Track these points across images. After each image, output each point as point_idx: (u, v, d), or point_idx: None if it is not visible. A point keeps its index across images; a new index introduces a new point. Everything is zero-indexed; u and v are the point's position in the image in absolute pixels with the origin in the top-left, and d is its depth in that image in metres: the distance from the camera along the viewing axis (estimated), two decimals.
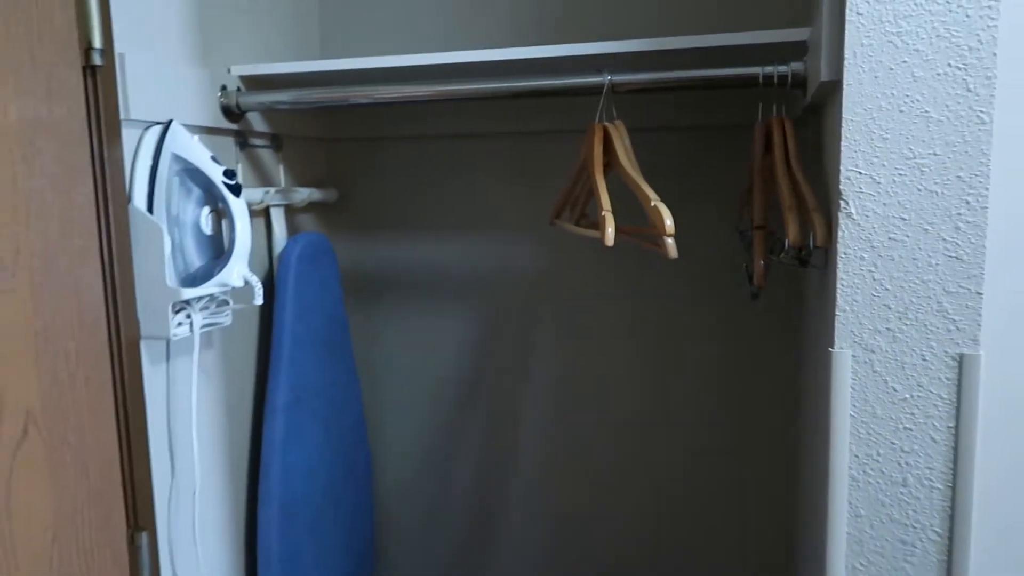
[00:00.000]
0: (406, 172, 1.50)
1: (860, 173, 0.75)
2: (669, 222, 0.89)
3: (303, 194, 1.34)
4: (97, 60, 0.96)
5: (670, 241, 0.90)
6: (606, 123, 1.07)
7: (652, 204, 0.92)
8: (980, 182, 0.72)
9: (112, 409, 0.97)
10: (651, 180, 0.98)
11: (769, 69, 1.01)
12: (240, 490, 1.24)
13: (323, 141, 1.50)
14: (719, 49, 1.04)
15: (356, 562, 1.43)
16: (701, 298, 1.37)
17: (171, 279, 1.01)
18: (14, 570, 0.84)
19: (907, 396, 0.76)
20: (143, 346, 1.02)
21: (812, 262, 0.90)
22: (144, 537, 1.00)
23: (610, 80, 1.06)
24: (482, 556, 1.57)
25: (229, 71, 1.21)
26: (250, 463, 1.26)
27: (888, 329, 0.76)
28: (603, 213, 0.94)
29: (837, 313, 0.77)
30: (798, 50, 1.01)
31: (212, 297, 1.09)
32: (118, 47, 0.99)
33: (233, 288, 1.07)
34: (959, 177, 0.73)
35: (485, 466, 1.54)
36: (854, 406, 0.78)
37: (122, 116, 1.00)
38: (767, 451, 1.39)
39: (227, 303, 1.12)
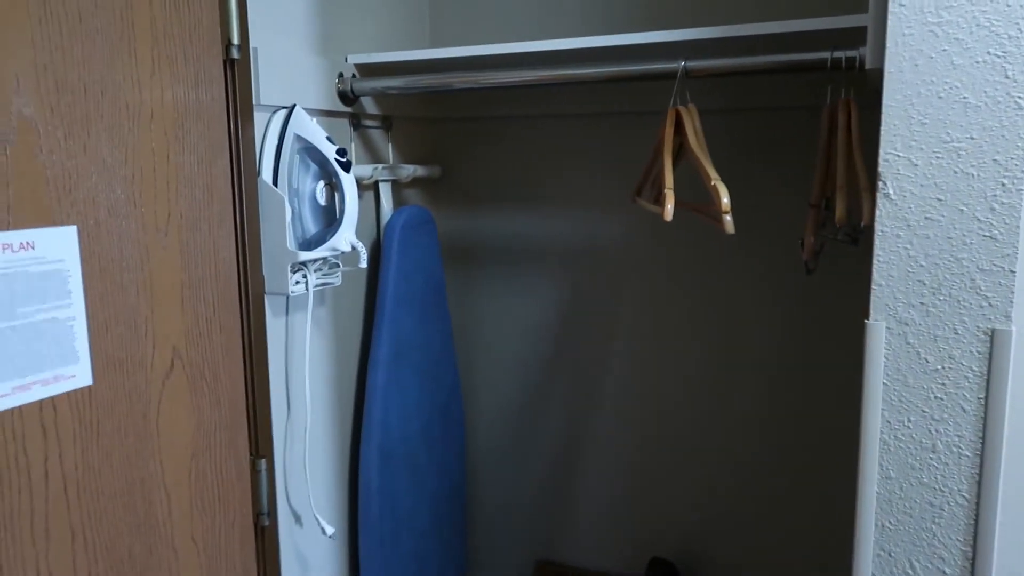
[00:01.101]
0: (502, 151, 1.61)
1: (898, 156, 0.79)
2: (726, 200, 0.96)
3: (408, 170, 1.48)
4: (235, 54, 1.13)
5: (728, 218, 0.97)
6: (679, 107, 1.14)
7: (712, 183, 0.99)
8: (1016, 165, 0.75)
9: (240, 352, 1.15)
10: (723, 161, 1.05)
11: (838, 54, 1.05)
12: (346, 430, 1.41)
13: (429, 122, 1.64)
14: (791, 35, 1.09)
15: (449, 496, 1.59)
16: (766, 272, 1.41)
17: (291, 243, 1.17)
18: (160, 478, 1.03)
19: (939, 367, 0.81)
20: (267, 300, 1.19)
21: (862, 240, 0.94)
22: (263, 463, 1.18)
23: (684, 66, 1.13)
24: (563, 495, 1.68)
25: (346, 60, 1.37)
26: (355, 408, 1.43)
27: (922, 303, 0.81)
28: (665, 190, 1.02)
29: (873, 287, 0.82)
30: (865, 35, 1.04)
31: (325, 260, 1.25)
32: (252, 42, 1.16)
33: (343, 252, 1.22)
34: (995, 160, 0.76)
35: (567, 421, 1.65)
36: (887, 375, 0.83)
37: (254, 101, 1.16)
38: (832, 418, 1.42)
39: (338, 265, 1.28)
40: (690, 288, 1.50)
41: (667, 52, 1.16)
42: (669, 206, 1.00)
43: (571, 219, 1.58)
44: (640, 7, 1.45)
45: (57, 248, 0.89)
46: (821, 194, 1.03)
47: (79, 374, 0.92)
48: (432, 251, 1.53)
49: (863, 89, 1.07)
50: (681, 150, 1.16)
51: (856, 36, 1.05)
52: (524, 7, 1.54)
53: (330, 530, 1.27)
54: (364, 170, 1.38)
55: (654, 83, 1.34)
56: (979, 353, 0.79)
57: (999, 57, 0.75)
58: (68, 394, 0.91)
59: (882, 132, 0.80)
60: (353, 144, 1.40)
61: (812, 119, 1.33)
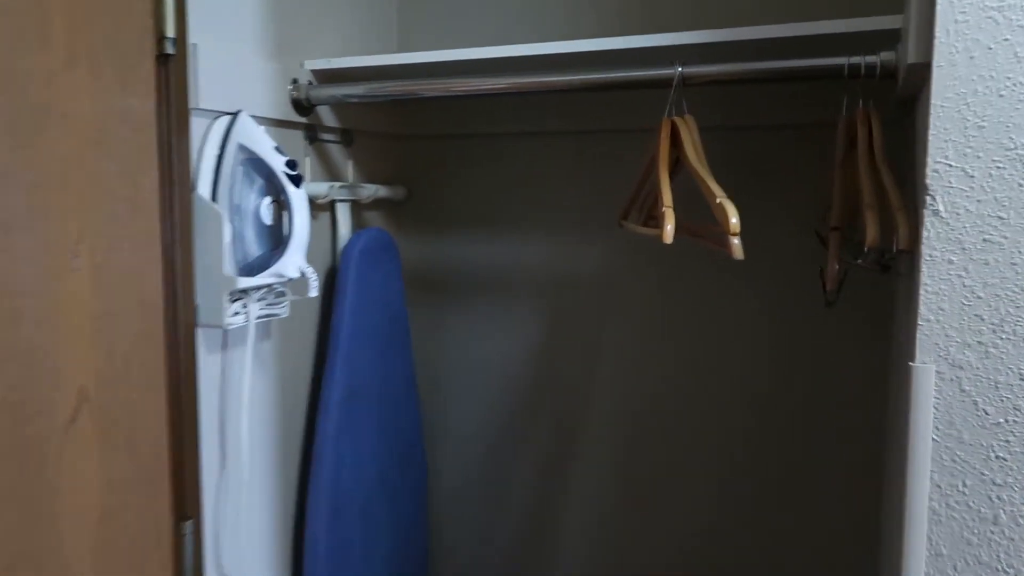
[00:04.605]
0: (475, 170, 1.47)
1: (950, 166, 0.67)
2: (735, 220, 0.83)
3: (370, 190, 1.33)
4: (170, 49, 0.98)
5: (736, 241, 0.84)
6: (675, 118, 1.01)
7: (718, 201, 0.86)
8: None
9: (165, 394, 0.98)
10: (724, 181, 0.91)
11: (856, 59, 0.93)
12: (290, 483, 1.24)
13: (394, 138, 1.49)
14: (800, 40, 0.97)
15: (409, 556, 1.41)
16: (773, 304, 1.28)
17: (229, 268, 1.01)
18: (58, 549, 0.85)
19: (1000, 420, 0.67)
20: (199, 334, 1.02)
21: (895, 267, 0.81)
22: (189, 526, 1.00)
23: (681, 72, 1.00)
24: (538, 552, 1.51)
25: (302, 65, 1.22)
26: (302, 456, 1.26)
27: (979, 343, 0.67)
28: (663, 208, 0.88)
29: (920, 323, 0.68)
30: (888, 38, 0.92)
31: (270, 288, 1.09)
32: (192, 37, 1.01)
33: (290, 279, 1.07)
34: None
35: (543, 464, 1.49)
36: (937, 429, 0.69)
37: (192, 105, 1.01)
38: (847, 472, 1.28)
39: (284, 294, 1.12)
40: (681, 323, 1.36)
41: (661, 58, 1.04)
42: (669, 226, 0.86)
43: (548, 246, 1.43)
44: (631, 10, 1.33)
45: None
46: (844, 215, 0.90)
47: None
48: (394, 280, 1.37)
49: (883, 101, 0.95)
50: (677, 166, 1.03)
51: (875, 41, 0.93)
52: (503, 9, 1.41)
53: None
54: (319, 188, 1.23)
55: (643, 98, 1.20)
56: None
57: None
58: None
59: (930, 138, 0.67)
60: (308, 159, 1.25)
61: (816, 137, 1.21)
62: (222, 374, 1.07)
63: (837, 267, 0.86)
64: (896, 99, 0.93)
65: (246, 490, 1.11)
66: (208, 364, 1.04)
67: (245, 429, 1.09)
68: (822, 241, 1.03)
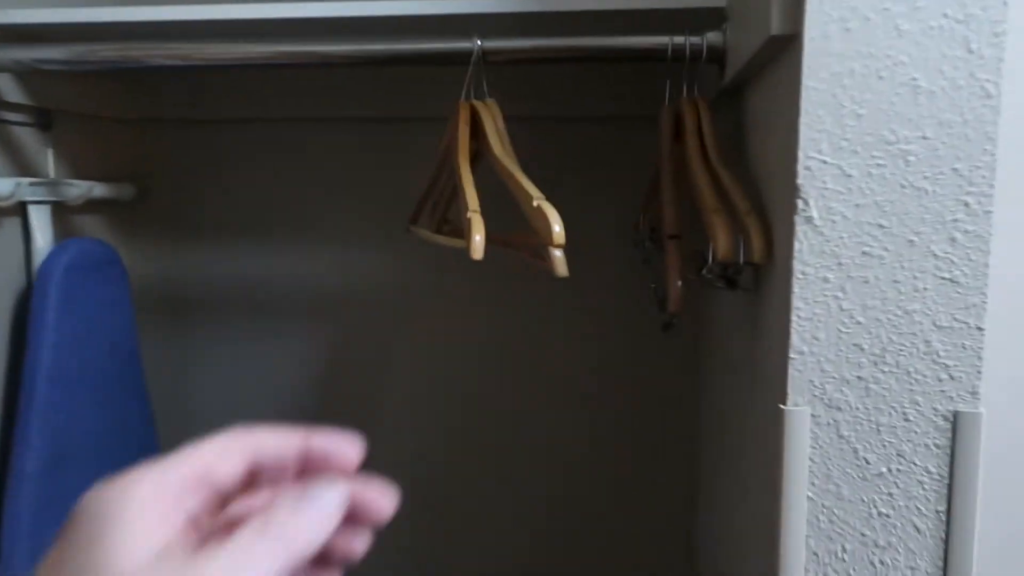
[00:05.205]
0: (229, 165, 1.19)
1: (825, 162, 0.54)
2: (558, 228, 0.66)
3: (80, 189, 1.02)
4: None
5: (558, 253, 0.67)
6: (475, 101, 0.82)
7: (535, 204, 0.68)
8: (983, 177, 0.53)
9: None
10: (537, 179, 0.74)
11: (679, 40, 0.80)
12: None
13: (117, 122, 1.17)
14: (622, 15, 0.83)
15: None
16: (595, 325, 1.14)
17: None
18: None
19: (883, 470, 0.56)
20: None
21: (743, 283, 0.68)
22: None
23: (481, 45, 0.82)
24: None
25: None
26: None
27: (859, 378, 0.55)
28: (468, 214, 0.69)
29: (792, 356, 0.55)
30: (714, 18, 0.81)
31: None
32: None
33: None
34: (955, 170, 0.53)
35: None
36: (813, 484, 0.56)
37: None
38: (666, 521, 1.18)
39: None
40: (482, 337, 1.18)
41: (460, 30, 0.85)
42: (478, 237, 0.67)
43: (330, 255, 1.19)
44: None
45: None
46: (679, 220, 0.77)
47: None
48: (118, 304, 1.06)
49: (709, 91, 0.84)
50: (476, 160, 0.85)
51: (702, 19, 0.81)
52: None
53: None
54: (1, 186, 0.90)
55: (444, 81, 1.01)
56: (937, 447, 0.55)
57: (959, 22, 0.52)
58: None
59: (801, 127, 0.54)
60: None
61: (647, 131, 1.08)
62: None
63: (680, 285, 0.72)
64: (722, 88, 0.82)
65: None
66: None
67: None
68: (643, 251, 0.89)
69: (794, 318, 0.55)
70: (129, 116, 1.16)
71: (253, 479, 0.35)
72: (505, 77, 0.89)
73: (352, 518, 0.34)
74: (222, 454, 0.34)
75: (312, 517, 0.31)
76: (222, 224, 1.20)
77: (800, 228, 0.55)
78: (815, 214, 0.54)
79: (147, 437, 1.12)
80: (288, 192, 1.19)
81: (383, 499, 0.34)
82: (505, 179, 0.76)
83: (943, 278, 0.54)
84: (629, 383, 1.16)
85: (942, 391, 0.55)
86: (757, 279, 0.68)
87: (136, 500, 0.29)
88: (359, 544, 0.35)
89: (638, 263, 0.97)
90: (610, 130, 1.11)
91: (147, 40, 0.88)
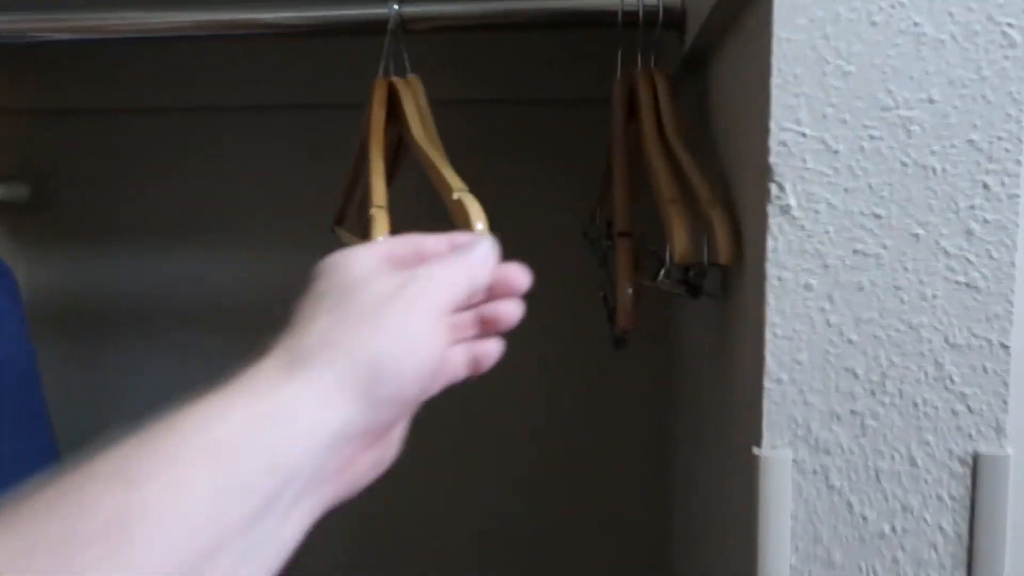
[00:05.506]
0: (140, 161, 1.06)
1: (804, 135, 0.42)
2: (480, 225, 0.53)
3: None
4: None
5: None
6: (394, 78, 0.70)
7: (455, 197, 0.56)
8: (1006, 150, 0.41)
9: None
10: (480, 170, 0.62)
11: (632, 1, 0.68)
12: None
13: (5, 112, 1.03)
14: None
15: None
16: (548, 341, 1.01)
17: None
18: None
19: (885, 529, 0.44)
20: None
21: (708, 288, 0.56)
22: None
23: (399, 11, 0.69)
24: None
25: None
26: None
27: (853, 412, 0.43)
28: (372, 210, 0.57)
29: (766, 385, 0.43)
30: None
31: None
32: None
33: None
34: (971, 142, 0.41)
35: None
36: (797, 548, 0.44)
37: None
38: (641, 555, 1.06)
39: None
40: None
41: None
42: (380, 239, 0.55)
43: (251, 261, 1.06)
44: None
45: None
46: (629, 213, 0.65)
47: None
48: (7, 319, 0.92)
49: (671, 64, 0.71)
50: (401, 148, 0.72)
51: None
52: None
53: None
54: None
55: (370, 60, 0.88)
56: (953, 499, 0.43)
57: None
58: None
59: (773, 91, 0.42)
60: None
61: (600, 115, 0.96)
62: None
63: (631, 292, 0.60)
64: (684, 58, 0.70)
65: None
66: None
67: None
68: (599, 251, 0.77)
69: (769, 336, 0.43)
70: (19, 105, 1.02)
71: None
72: (440, 53, 0.76)
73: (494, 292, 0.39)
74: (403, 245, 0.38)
75: (481, 252, 0.37)
76: (134, 227, 1.06)
77: (774, 221, 0.42)
78: (792, 202, 0.42)
79: (47, 463, 0.98)
80: (209, 190, 1.05)
81: (519, 273, 0.40)
82: (426, 168, 0.63)
83: (957, 282, 0.42)
84: (589, 410, 1.03)
85: (958, 427, 0.43)
86: (725, 284, 0.56)
87: (363, 253, 0.36)
88: (510, 309, 0.41)
89: (596, 265, 0.84)
90: (567, 114, 0.99)
91: (34, 11, 0.75)
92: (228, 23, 0.73)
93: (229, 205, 1.05)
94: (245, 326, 1.05)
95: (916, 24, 0.41)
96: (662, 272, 0.55)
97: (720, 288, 0.57)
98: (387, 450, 0.36)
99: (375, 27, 0.71)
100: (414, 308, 0.32)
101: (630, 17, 0.68)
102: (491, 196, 0.57)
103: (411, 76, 0.71)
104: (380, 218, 0.56)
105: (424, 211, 0.58)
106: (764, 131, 0.42)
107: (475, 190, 0.58)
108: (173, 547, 0.23)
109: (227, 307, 1.07)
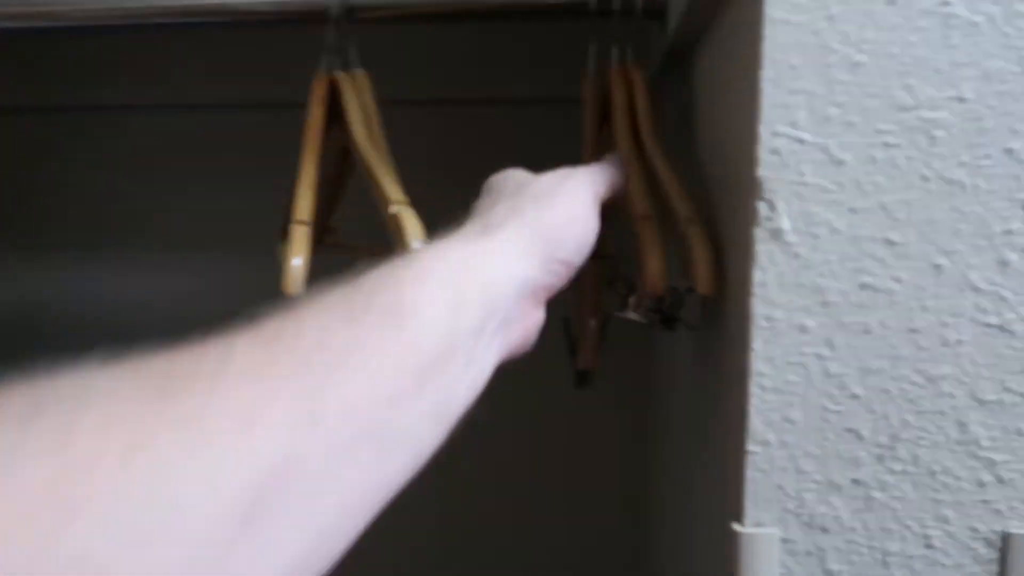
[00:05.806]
0: (68, 163, 0.97)
1: (801, 141, 0.34)
2: (418, 243, 0.45)
3: None
4: None
5: None
6: (336, 74, 0.62)
7: (392, 211, 0.48)
8: None
9: None
10: (432, 173, 0.54)
11: None
12: None
13: None
14: None
15: None
16: (515, 372, 0.93)
17: None
18: None
19: None
20: None
21: (685, 319, 0.48)
22: None
23: (344, 1, 0.61)
24: None
25: None
26: None
27: (856, 482, 0.35)
28: (291, 224, 0.49)
29: (750, 448, 0.35)
30: None
31: None
32: None
33: None
34: (1009, 151, 0.33)
35: None
36: None
37: None
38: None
39: None
40: None
41: None
42: (295, 260, 0.46)
43: (193, 273, 0.98)
44: None
45: None
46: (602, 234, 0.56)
47: None
48: None
49: (644, 59, 0.63)
50: (345, 154, 0.64)
51: None
52: None
53: None
54: None
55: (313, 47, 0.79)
56: None
57: None
58: None
59: (764, 85, 0.34)
60: None
61: (572, 117, 0.88)
62: None
63: (596, 323, 0.51)
64: (666, 52, 0.62)
65: None
66: None
67: None
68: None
69: (754, 389, 0.35)
70: None
71: None
72: (401, 50, 0.68)
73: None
74: None
75: (615, 164, 0.46)
76: (64, 238, 0.98)
77: (762, 247, 0.34)
78: (786, 224, 0.34)
79: None
80: (146, 195, 0.97)
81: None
82: (365, 175, 0.55)
83: (988, 324, 0.34)
84: (563, 454, 0.95)
85: (985, 501, 0.35)
86: (705, 315, 0.48)
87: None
88: None
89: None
90: (536, 115, 0.90)
91: None
92: (141, 11, 0.65)
93: (167, 211, 0.97)
94: (176, 337, 0.96)
95: (944, 3, 0.33)
96: (631, 301, 0.47)
97: (700, 318, 0.49)
98: (534, 330, 0.39)
99: (319, 18, 0.62)
100: (578, 194, 0.39)
101: (604, 4, 0.60)
102: (451, 204, 0.49)
103: (357, 71, 0.63)
104: (299, 235, 0.48)
105: (424, 211, 0.50)
106: (752, 137, 0.34)
107: (433, 197, 0.50)
108: (437, 333, 0.28)
109: (174, 321, 0.98)
